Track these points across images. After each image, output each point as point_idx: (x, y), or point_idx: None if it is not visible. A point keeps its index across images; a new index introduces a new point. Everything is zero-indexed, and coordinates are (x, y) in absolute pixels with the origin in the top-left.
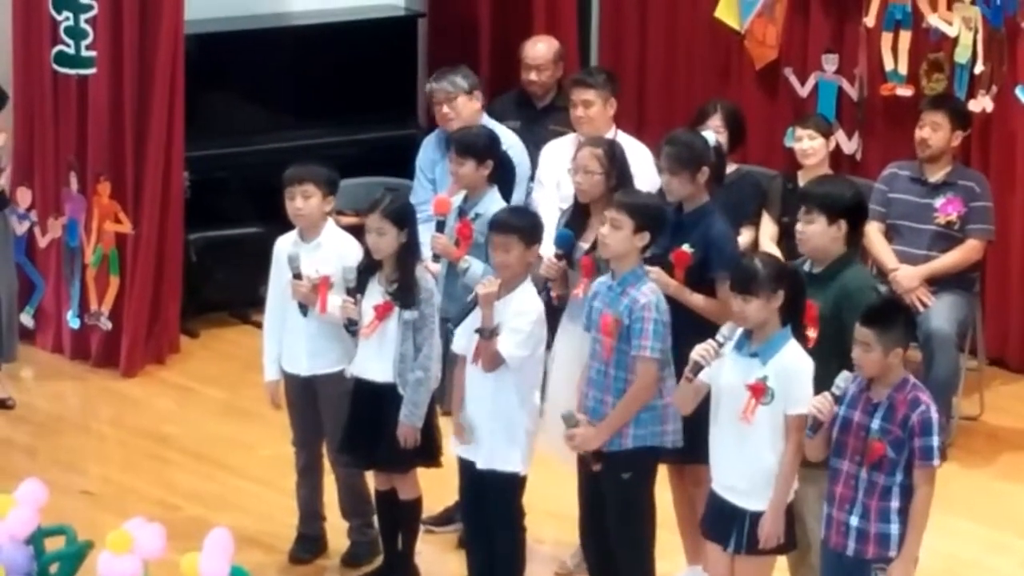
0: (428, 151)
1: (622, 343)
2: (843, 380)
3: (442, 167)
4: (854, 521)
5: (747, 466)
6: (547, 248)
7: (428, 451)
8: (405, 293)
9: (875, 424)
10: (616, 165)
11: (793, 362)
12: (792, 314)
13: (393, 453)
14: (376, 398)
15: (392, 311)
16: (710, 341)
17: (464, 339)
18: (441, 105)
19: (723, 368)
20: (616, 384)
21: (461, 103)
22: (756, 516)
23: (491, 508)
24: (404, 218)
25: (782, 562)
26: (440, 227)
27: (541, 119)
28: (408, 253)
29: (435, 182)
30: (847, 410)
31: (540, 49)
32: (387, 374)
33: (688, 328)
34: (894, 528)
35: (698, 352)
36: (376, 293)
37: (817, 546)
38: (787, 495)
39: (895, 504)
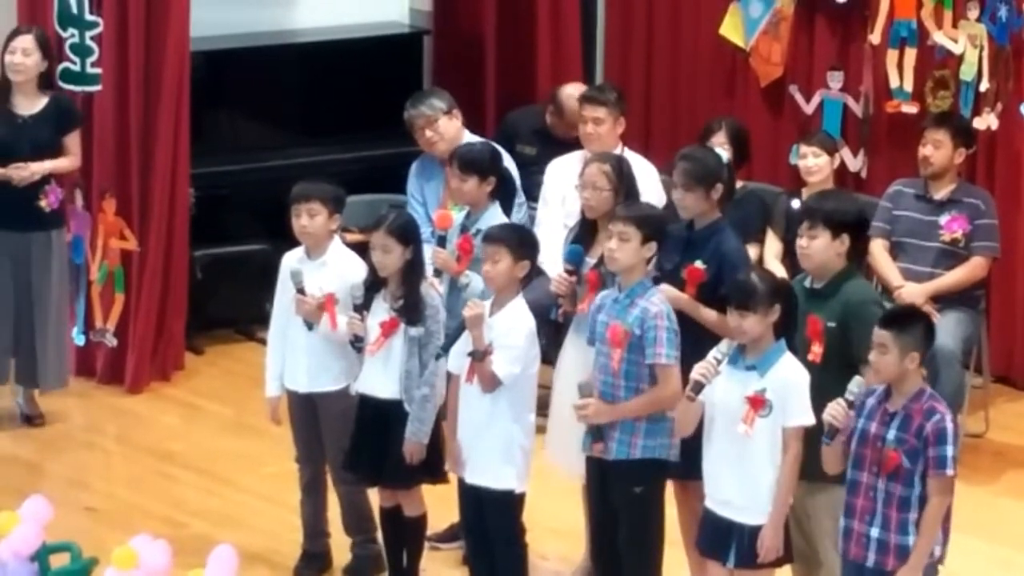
0: (415, 178)
1: (631, 354)
2: (856, 385)
3: (429, 188)
4: (875, 532)
5: (744, 481)
6: (556, 265)
7: (433, 468)
8: (411, 310)
9: (891, 434)
10: (624, 181)
11: (790, 374)
12: (786, 328)
13: (399, 470)
14: (381, 415)
15: (398, 328)
16: (708, 359)
17: (457, 359)
18: (423, 130)
19: (717, 384)
20: (626, 395)
21: (443, 124)
22: (754, 530)
23: (491, 526)
24: (409, 235)
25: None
26: (441, 242)
27: (560, 150)
28: (413, 270)
29: (426, 204)
30: (864, 422)
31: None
32: (392, 391)
33: (699, 344)
34: (912, 540)
35: (698, 371)
36: (381, 310)
37: (828, 562)
38: (786, 507)
39: (913, 516)
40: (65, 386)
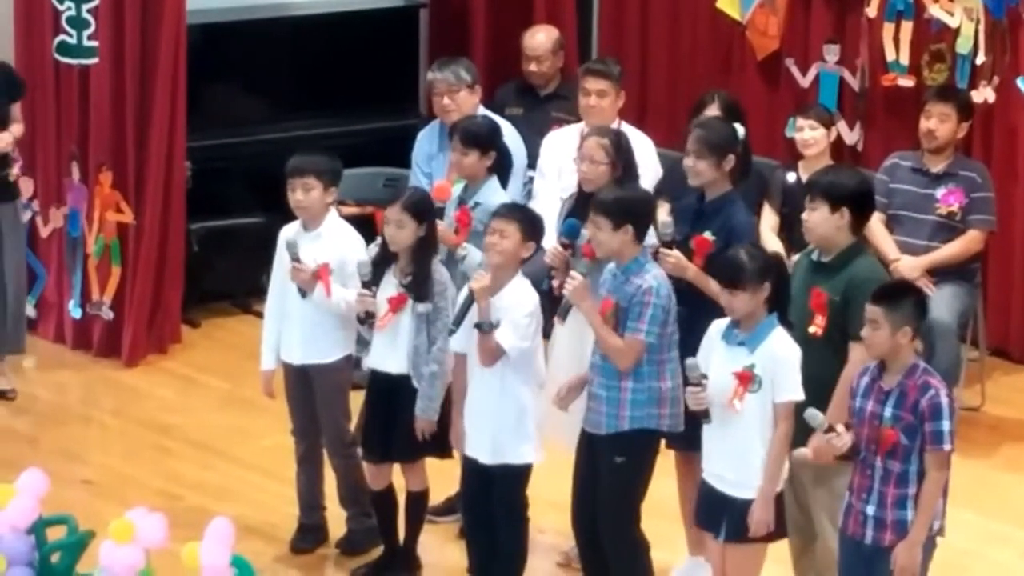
0: (424, 145)
1: (620, 328)
2: (812, 418)
3: (438, 161)
4: (871, 510)
5: (735, 455)
6: (550, 238)
7: (441, 443)
8: (420, 286)
9: (887, 412)
10: (622, 155)
11: (780, 350)
12: (777, 303)
13: (407, 445)
14: (390, 390)
15: (406, 303)
16: (691, 388)
17: (463, 338)
18: (442, 96)
19: (712, 359)
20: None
21: (463, 96)
22: (745, 504)
23: (496, 501)
24: (424, 212)
25: (784, 553)
26: (439, 213)
27: (543, 106)
28: (425, 246)
29: (431, 176)
30: (861, 400)
31: (540, 39)
32: (401, 366)
33: (705, 314)
34: (911, 515)
35: (691, 403)
36: (390, 286)
37: (824, 534)
38: (777, 483)
39: (912, 491)
40: (22, 352)
